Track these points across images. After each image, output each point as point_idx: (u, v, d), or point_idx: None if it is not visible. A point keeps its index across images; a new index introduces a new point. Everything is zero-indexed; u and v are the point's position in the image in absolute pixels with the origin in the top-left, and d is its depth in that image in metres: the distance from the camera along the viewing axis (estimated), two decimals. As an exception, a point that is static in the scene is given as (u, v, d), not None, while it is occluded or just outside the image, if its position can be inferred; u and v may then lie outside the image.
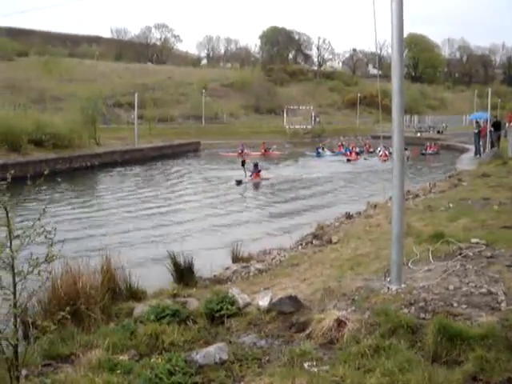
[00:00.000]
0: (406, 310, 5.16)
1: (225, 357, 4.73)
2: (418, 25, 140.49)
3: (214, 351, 4.77)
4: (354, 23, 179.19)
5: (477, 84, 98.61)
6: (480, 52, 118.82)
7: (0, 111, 32.57)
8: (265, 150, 42.95)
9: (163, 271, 8.84)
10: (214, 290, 7.16)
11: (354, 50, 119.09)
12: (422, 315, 5.01)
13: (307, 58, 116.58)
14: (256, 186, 26.03)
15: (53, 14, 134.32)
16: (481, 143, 29.24)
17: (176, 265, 8.56)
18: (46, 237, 4.17)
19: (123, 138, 41.83)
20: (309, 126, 68.10)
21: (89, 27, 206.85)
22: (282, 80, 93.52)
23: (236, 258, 10.62)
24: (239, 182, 25.55)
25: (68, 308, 4.51)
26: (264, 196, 23.51)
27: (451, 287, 5.64)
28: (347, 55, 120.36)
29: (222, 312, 5.88)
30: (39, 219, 4.17)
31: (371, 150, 44.99)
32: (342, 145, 46.83)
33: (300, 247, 11.46)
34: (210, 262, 9.61)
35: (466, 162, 26.70)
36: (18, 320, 4.25)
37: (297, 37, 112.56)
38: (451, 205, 11.46)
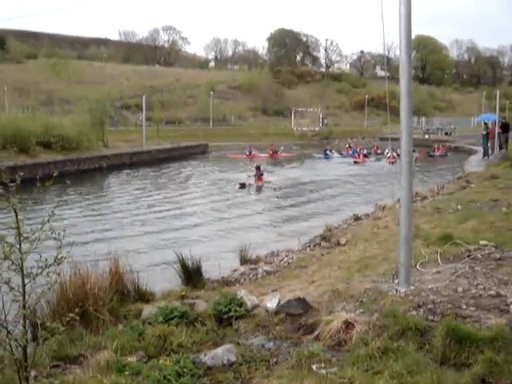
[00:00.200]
0: (414, 312, 5.13)
1: (233, 358, 4.73)
2: (425, 26, 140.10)
3: (222, 353, 4.76)
4: (361, 25, 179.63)
5: (485, 85, 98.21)
6: (488, 53, 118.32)
7: (9, 113, 32.78)
8: (273, 152, 43.00)
9: (171, 273, 8.85)
10: (222, 291, 7.14)
11: (362, 51, 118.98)
12: (431, 317, 4.99)
13: (315, 59, 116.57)
14: (260, 189, 25.93)
15: (61, 17, 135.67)
16: (489, 145, 29.06)
17: (184, 267, 8.57)
18: (54, 239, 4.19)
19: (131, 140, 42.01)
20: (316, 128, 67.98)
21: (97, 30, 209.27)
22: (290, 82, 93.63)
23: (244, 260, 10.63)
24: (243, 185, 25.53)
25: (77, 309, 4.51)
26: (271, 199, 23.47)
27: (460, 289, 5.61)
28: (355, 57, 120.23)
29: (230, 314, 5.87)
30: (48, 221, 4.19)
31: (379, 151, 44.92)
32: (350, 147, 46.79)
33: (308, 249, 11.45)
34: (218, 263, 9.64)
35: (474, 163, 26.53)
36: (27, 321, 4.27)
37: (304, 39, 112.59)
38: (459, 207, 11.40)
